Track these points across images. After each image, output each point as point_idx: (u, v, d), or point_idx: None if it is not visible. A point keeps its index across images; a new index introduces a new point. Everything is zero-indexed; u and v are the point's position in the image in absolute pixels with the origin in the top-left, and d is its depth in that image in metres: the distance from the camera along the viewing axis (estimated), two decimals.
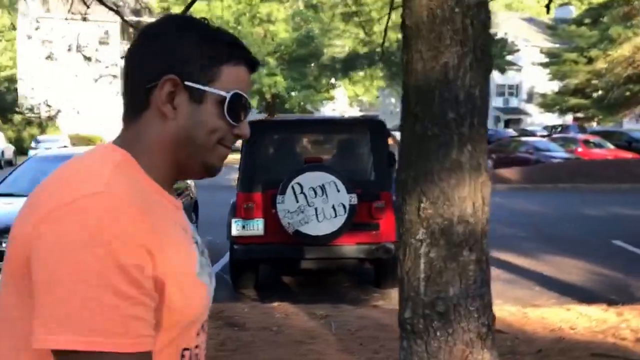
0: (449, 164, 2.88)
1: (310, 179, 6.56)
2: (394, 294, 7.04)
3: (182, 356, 1.08)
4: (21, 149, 32.65)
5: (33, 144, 30.26)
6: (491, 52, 3.02)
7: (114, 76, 7.28)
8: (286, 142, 7.70)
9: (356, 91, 38.13)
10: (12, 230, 1.02)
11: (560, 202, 15.61)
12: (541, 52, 36.65)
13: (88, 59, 7.50)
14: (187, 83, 1.09)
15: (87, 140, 34.62)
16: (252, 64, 1.17)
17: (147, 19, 6.67)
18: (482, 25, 2.91)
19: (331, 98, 37.27)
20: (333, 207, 6.55)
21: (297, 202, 6.52)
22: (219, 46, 1.12)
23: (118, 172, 1.02)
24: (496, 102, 53.20)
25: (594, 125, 35.06)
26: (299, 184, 6.53)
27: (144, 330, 0.94)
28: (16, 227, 1.02)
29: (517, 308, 5.68)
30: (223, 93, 1.10)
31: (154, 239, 0.97)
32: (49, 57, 8.92)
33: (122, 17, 6.46)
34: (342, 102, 41.68)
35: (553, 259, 8.93)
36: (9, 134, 36.77)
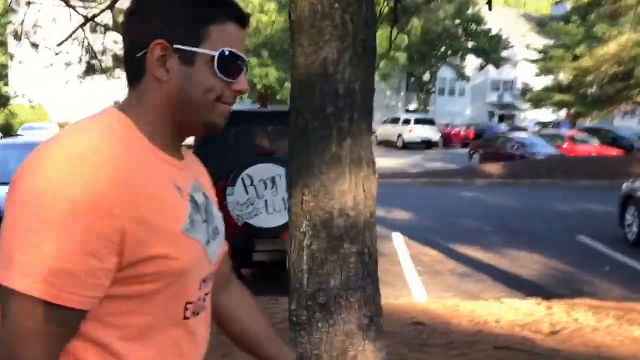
0: (328, 157, 2.92)
1: (260, 171, 6.59)
2: None
3: (186, 309, 1.14)
4: (9, 136, 32.55)
5: (20, 131, 30.20)
6: (375, 48, 3.05)
7: (67, 64, 7.25)
8: (240, 134, 7.72)
9: None
10: None
11: (535, 198, 15.66)
12: (527, 48, 36.66)
13: (35, 46, 7.50)
14: (175, 46, 1.12)
15: None
16: (241, 18, 1.18)
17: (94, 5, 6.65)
18: (364, 21, 2.94)
19: None
20: (283, 199, 6.58)
21: (247, 194, 6.56)
22: (203, 6, 1.14)
23: (106, 133, 1.06)
24: (490, 97, 53.19)
25: (588, 122, 35.11)
26: (248, 175, 6.57)
27: (76, 288, 0.97)
28: None
29: (454, 301, 5.74)
30: (211, 52, 1.13)
31: (126, 202, 1.00)
32: None
33: (67, 3, 6.44)
34: None
35: (513, 253, 8.99)
36: None
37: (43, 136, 16.10)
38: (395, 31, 6.12)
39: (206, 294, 1.21)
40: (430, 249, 9.14)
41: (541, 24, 33.54)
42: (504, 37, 42.77)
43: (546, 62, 31.66)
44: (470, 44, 42.62)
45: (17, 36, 7.18)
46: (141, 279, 1.05)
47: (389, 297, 6.60)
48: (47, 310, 0.96)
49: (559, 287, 7.23)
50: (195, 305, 1.16)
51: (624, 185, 10.71)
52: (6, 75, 40.66)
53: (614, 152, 24.35)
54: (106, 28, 6.61)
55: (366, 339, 3.03)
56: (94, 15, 6.01)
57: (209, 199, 1.25)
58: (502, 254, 8.97)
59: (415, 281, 7.36)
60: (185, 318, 1.15)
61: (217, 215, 1.28)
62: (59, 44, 6.27)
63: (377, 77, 39.79)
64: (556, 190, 17.16)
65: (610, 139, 27.66)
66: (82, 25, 6.11)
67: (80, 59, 6.97)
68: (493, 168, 20.04)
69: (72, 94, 35.09)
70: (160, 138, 1.14)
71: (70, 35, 6.19)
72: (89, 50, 6.80)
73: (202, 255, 1.16)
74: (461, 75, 43.84)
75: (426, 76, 44.61)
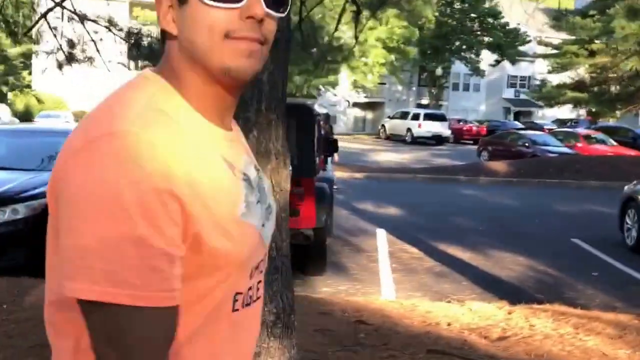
0: None
1: None
2: (317, 281, 7.02)
3: (235, 300, 1.01)
4: (28, 122, 33.11)
5: (36, 119, 30.89)
6: (289, 38, 2.93)
7: (48, 53, 7.13)
8: None
9: (355, 77, 37.76)
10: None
11: (539, 198, 15.40)
12: (539, 43, 35.97)
13: (14, 34, 7.43)
14: None
15: None
16: None
17: None
18: None
19: (330, 83, 36.81)
20: None
21: None
22: None
23: (153, 105, 0.93)
24: (507, 93, 52.49)
25: (610, 120, 34.37)
26: None
27: (165, 283, 0.86)
28: (57, 158, 0.94)
29: (413, 301, 5.60)
30: None
31: (184, 182, 0.88)
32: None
33: None
34: (344, 87, 41.31)
35: (499, 254, 8.81)
36: (18, 107, 37.42)
37: (56, 123, 16.04)
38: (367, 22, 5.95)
39: (258, 282, 1.08)
40: (412, 247, 8.98)
41: (557, 18, 32.68)
42: (521, 31, 42.07)
43: (559, 58, 31.00)
44: (486, 39, 42.09)
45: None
46: (196, 272, 0.92)
47: (357, 294, 6.50)
48: (144, 318, 0.86)
49: (538, 292, 7.04)
50: (246, 295, 1.03)
51: (626, 187, 10.42)
52: (30, 65, 41.40)
53: (632, 152, 23.73)
54: (82, 17, 6.52)
55: (271, 336, 2.93)
56: (62, 0, 5.92)
57: (259, 172, 1.12)
58: (486, 254, 8.79)
59: (387, 279, 7.22)
60: (234, 310, 1.01)
61: (269, 187, 1.14)
62: (27, 31, 6.21)
63: (386, 70, 39.88)
64: (563, 191, 16.86)
65: (631, 139, 27.06)
66: (49, 11, 6.03)
67: (60, 48, 6.88)
68: (500, 166, 19.74)
69: (90, 84, 35.49)
70: (203, 103, 0.99)
71: (38, 21, 6.13)
72: (58, 37, 6.70)
73: (259, 241, 1.04)
74: (476, 71, 43.33)
75: (439, 71, 44.19)
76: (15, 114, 35.14)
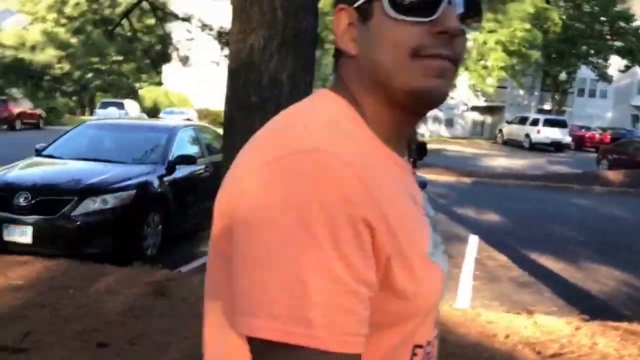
0: None
1: None
2: None
3: (414, 354, 0.89)
4: (154, 117, 34.97)
5: (161, 115, 32.54)
6: (314, 37, 2.94)
7: (142, 51, 7.49)
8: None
9: (473, 80, 36.89)
10: (222, 182, 0.86)
11: None
12: None
13: (109, 32, 7.88)
14: (356, 5, 0.89)
15: (213, 115, 36.59)
16: None
17: None
18: (297, 8, 2.84)
19: None
20: None
21: None
22: None
23: (335, 126, 0.84)
24: (636, 100, 49.31)
25: None
26: None
27: (353, 326, 0.74)
28: (224, 182, 0.85)
29: (477, 310, 5.44)
30: None
31: (377, 209, 0.78)
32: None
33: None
34: (462, 90, 40.47)
35: (593, 267, 8.37)
36: (147, 103, 39.73)
37: (133, 121, 16.85)
38: None
39: (435, 337, 0.96)
40: (501, 255, 8.71)
41: None
42: None
43: None
44: (616, 44, 39.86)
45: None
46: (382, 320, 0.81)
47: None
48: None
49: (627, 308, 6.64)
50: (424, 350, 0.91)
51: None
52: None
53: None
54: (174, 16, 6.79)
55: None
56: (140, 1, 6.18)
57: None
58: (579, 266, 8.38)
59: (466, 286, 7.05)
60: None
61: None
62: (114, 27, 6.57)
63: (506, 74, 38.65)
64: None
65: None
66: (133, 8, 6.33)
67: (153, 47, 7.22)
68: (617, 175, 18.70)
69: (213, 84, 36.97)
70: (382, 128, 0.90)
71: (121, 20, 6.43)
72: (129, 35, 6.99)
73: (443, 287, 0.92)
74: (603, 76, 41.12)
75: (563, 75, 42.31)
76: (144, 109, 37.34)
